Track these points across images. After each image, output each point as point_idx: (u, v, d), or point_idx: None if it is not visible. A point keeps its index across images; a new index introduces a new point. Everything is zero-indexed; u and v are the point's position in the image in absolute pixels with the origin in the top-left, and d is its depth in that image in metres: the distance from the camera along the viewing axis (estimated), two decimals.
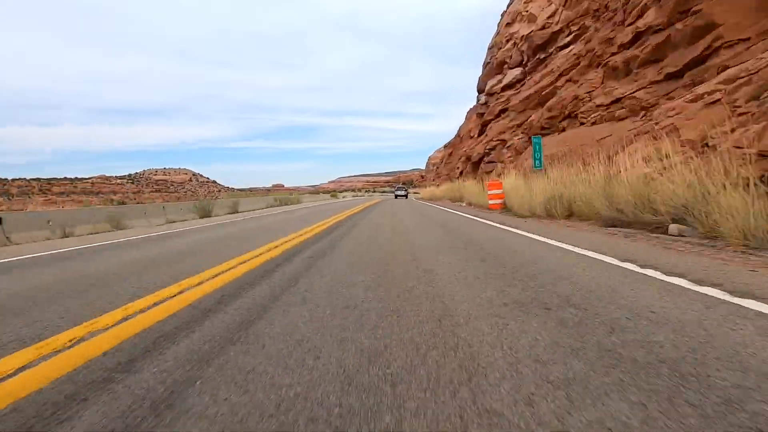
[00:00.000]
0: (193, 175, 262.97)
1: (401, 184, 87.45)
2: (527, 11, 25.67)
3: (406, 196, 53.22)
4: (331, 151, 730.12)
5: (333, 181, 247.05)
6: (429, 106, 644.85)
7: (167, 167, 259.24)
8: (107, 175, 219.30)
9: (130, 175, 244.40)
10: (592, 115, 14.22)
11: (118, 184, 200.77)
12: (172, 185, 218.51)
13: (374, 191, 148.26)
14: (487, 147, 26.78)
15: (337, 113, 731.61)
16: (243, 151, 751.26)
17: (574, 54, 17.69)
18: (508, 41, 28.42)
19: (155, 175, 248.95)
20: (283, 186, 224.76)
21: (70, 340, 2.05)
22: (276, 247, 5.42)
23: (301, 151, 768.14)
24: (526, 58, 24.79)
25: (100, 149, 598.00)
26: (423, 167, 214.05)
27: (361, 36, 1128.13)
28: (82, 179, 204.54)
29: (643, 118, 10.75)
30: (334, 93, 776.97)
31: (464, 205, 18.84)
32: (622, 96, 12.52)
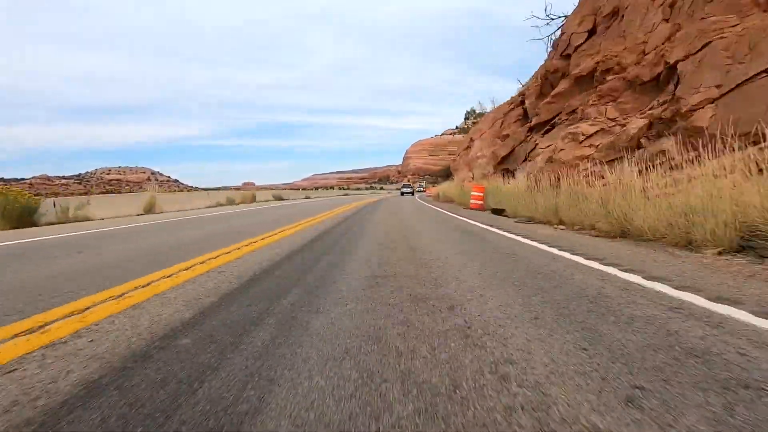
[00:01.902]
0: (152, 173, 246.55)
1: (406, 181, 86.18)
2: None
3: (412, 193, 51.51)
4: (307, 149, 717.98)
5: (307, 179, 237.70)
6: (405, 104, 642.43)
7: (122, 166, 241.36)
8: (49, 175, 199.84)
9: (79, 175, 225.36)
10: None
11: (63, 184, 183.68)
12: (127, 185, 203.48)
13: (347, 189, 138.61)
14: None
15: (314, 111, 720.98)
16: (216, 149, 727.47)
17: None
18: None
19: (108, 174, 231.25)
20: (253, 184, 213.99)
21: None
22: None
23: (277, 149, 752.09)
24: None
25: (65, 148, 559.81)
26: (399, 163, 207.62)
27: (340, 33, 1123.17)
28: (19, 180, 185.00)
29: None
30: (312, 90, 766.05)
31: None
32: None
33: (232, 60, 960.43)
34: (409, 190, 53.36)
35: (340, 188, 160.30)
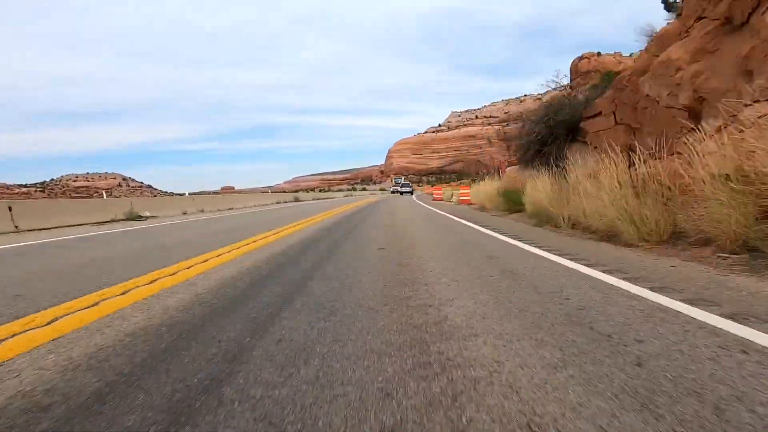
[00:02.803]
0: (123, 179, 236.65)
1: (403, 179, 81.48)
2: None
3: (411, 192, 47.54)
4: (289, 151, 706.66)
5: (289, 182, 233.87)
6: (388, 103, 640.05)
7: (90, 172, 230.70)
8: (7, 183, 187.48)
9: (43, 183, 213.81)
10: None
11: (23, 193, 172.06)
12: (96, 191, 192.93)
13: (328, 190, 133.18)
14: None
15: (295, 112, 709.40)
16: (195, 153, 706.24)
17: None
18: None
19: (75, 181, 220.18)
20: (233, 188, 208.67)
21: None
22: None
23: (258, 152, 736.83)
24: None
25: (30, 155, 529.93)
26: (382, 162, 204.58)
27: (322, 34, 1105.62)
28: None
29: None
30: (293, 92, 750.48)
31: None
32: None
33: (209, 61, 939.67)
34: (408, 189, 49.62)
35: (320, 190, 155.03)
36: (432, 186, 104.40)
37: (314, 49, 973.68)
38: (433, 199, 25.35)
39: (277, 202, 25.29)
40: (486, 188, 12.72)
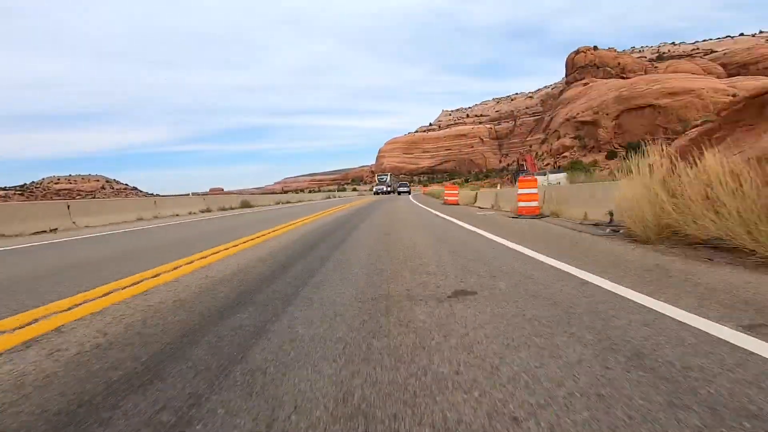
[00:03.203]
0: (107, 181, 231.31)
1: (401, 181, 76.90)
2: None
3: (408, 192, 44.39)
4: (279, 152, 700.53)
5: (279, 182, 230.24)
6: (376, 103, 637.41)
7: (73, 174, 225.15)
8: None
9: (23, 185, 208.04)
10: None
11: (0, 196, 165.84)
12: (79, 194, 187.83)
13: (317, 191, 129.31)
14: None
15: (284, 113, 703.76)
16: (182, 155, 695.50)
17: None
18: None
19: (57, 183, 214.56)
20: (222, 190, 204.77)
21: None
22: None
23: (248, 153, 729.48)
24: None
25: (12, 158, 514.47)
26: (372, 163, 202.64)
27: (306, 34, 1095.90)
28: None
29: None
30: (282, 92, 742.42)
31: None
32: None
33: (193, 62, 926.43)
34: (405, 189, 46.25)
35: (310, 190, 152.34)
36: (425, 186, 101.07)
37: (303, 49, 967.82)
38: (445, 203, 18.00)
39: (203, 211, 15.95)
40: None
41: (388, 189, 45.84)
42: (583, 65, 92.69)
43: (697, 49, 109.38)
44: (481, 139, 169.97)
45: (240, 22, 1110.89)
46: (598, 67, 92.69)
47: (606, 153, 74.88)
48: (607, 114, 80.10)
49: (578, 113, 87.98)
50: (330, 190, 78.85)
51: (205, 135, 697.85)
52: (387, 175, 66.22)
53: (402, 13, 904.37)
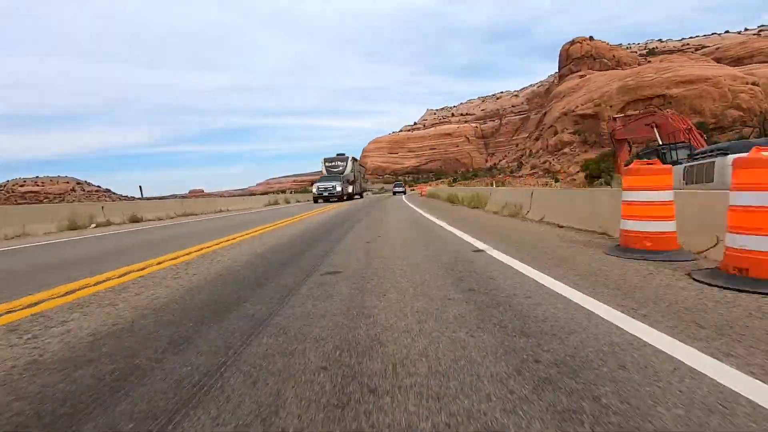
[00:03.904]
0: (78, 183, 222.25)
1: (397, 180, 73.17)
2: None
3: (404, 192, 43.56)
4: (263, 153, 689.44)
5: (261, 183, 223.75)
6: (360, 104, 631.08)
7: (41, 176, 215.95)
8: None
9: None
10: None
11: None
12: (47, 197, 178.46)
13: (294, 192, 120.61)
14: None
15: (268, 113, 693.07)
16: (163, 157, 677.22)
17: None
18: None
19: (23, 186, 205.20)
20: (202, 191, 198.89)
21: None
22: None
23: (231, 155, 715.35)
24: None
25: None
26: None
27: (291, 34, 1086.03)
28: None
29: None
30: (266, 93, 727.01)
31: None
32: None
33: (174, 62, 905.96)
34: (401, 189, 45.14)
35: (291, 191, 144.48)
36: (412, 186, 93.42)
37: (287, 49, 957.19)
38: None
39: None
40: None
41: (348, 191, 26.39)
42: (579, 56, 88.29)
43: (688, 44, 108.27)
44: (467, 138, 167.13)
45: (222, 21, 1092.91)
46: (594, 59, 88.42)
47: (610, 148, 69.51)
48: (611, 106, 74.45)
49: (577, 106, 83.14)
50: (278, 192, 50.33)
51: (186, 136, 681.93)
52: (345, 160, 31.86)
53: (386, 13, 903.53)
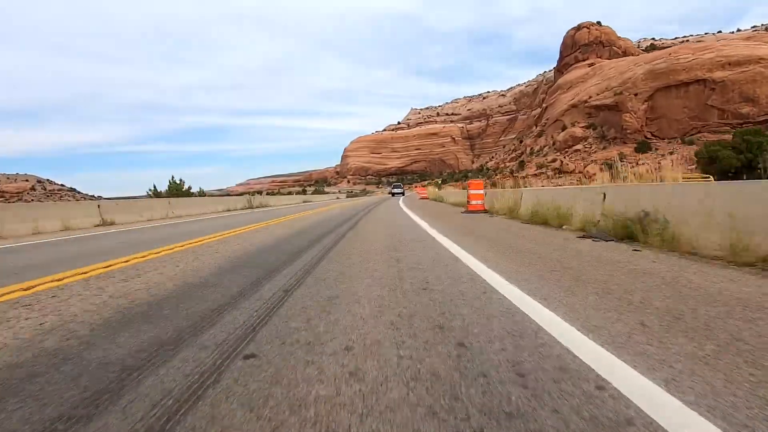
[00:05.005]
0: (38, 181, 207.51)
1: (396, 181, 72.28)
2: None
3: (403, 193, 43.81)
4: (242, 153, 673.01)
5: (241, 184, 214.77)
6: (340, 105, 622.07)
7: None
8: None
9: None
10: None
11: None
12: (2, 196, 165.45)
13: (276, 193, 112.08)
14: None
15: (246, 113, 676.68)
16: (136, 156, 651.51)
17: None
18: None
19: None
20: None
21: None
22: None
23: (209, 154, 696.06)
24: None
25: None
26: (336, 164, 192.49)
27: (269, 33, 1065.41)
28: None
29: None
30: (243, 92, 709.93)
31: None
32: None
33: (149, 59, 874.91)
34: (399, 190, 44.43)
35: (269, 193, 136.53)
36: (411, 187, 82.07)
37: (265, 47, 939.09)
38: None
39: None
40: None
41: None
42: (587, 43, 78.65)
43: (687, 39, 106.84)
44: (453, 139, 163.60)
45: (198, 16, 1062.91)
46: (604, 46, 79.06)
47: (635, 144, 58.65)
48: (636, 94, 62.48)
49: (590, 96, 71.90)
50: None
51: (162, 134, 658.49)
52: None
53: (369, 15, 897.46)
